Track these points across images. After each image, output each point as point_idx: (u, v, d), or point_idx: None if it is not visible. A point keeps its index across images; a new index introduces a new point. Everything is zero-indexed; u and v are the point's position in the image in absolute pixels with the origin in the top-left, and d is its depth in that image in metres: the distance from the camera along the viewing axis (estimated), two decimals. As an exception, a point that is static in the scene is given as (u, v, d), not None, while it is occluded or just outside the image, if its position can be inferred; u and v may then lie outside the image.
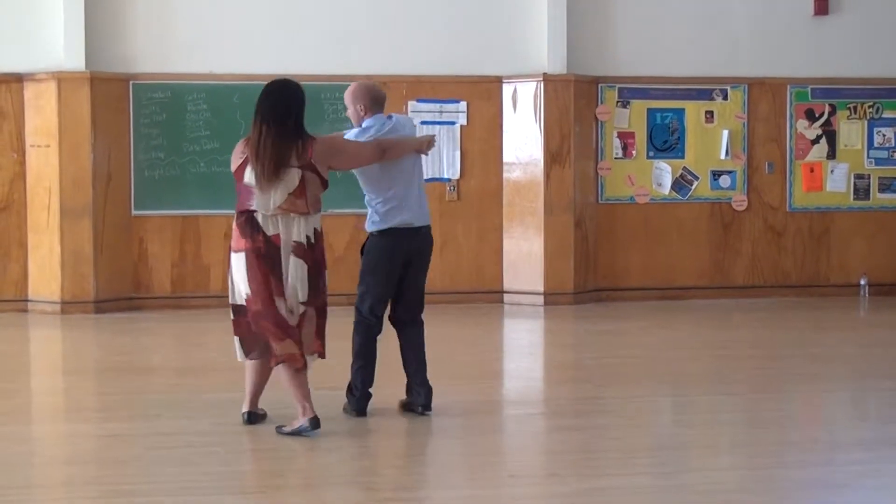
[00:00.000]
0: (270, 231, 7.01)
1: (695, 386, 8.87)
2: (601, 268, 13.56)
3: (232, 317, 7.25)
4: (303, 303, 7.04)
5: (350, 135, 7.47)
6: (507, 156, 13.36)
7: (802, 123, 13.82)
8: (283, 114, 7.01)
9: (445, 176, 13.24)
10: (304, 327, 7.09)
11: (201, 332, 11.62)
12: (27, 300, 12.75)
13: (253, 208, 7.02)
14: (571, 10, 13.25)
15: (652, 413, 8.03)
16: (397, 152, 7.41)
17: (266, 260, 7.01)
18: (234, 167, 7.13)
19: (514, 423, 7.80)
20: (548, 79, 13.14)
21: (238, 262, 7.10)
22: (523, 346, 11.42)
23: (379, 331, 7.57)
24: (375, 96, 7.57)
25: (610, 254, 13.59)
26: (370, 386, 7.52)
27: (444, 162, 13.20)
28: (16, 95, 12.65)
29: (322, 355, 7.24)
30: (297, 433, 6.98)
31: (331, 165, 7.13)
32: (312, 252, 7.07)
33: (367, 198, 7.55)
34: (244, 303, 7.12)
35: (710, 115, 13.67)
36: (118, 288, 12.78)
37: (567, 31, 13.23)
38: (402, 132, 7.55)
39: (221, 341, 11.24)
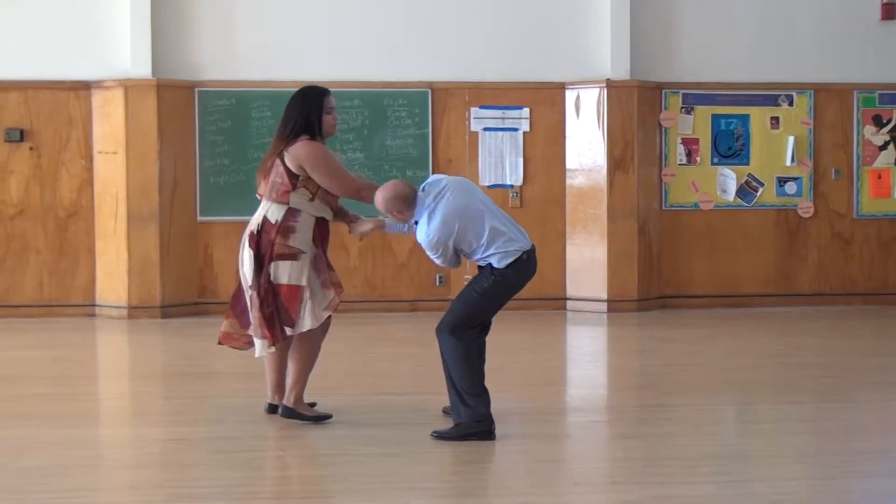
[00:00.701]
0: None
1: (760, 394, 8.80)
2: (665, 275, 13.50)
3: None
4: (249, 286, 7.40)
5: (431, 228, 7.24)
6: (570, 162, 13.33)
7: (869, 129, 13.68)
8: (286, 117, 7.54)
9: (508, 182, 13.23)
10: (253, 312, 7.41)
11: (265, 338, 11.66)
12: (95, 305, 12.90)
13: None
14: (635, 16, 13.21)
15: (716, 421, 7.97)
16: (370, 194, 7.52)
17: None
18: None
19: (577, 430, 7.77)
20: (611, 85, 13.10)
21: None
22: (586, 353, 11.38)
23: None
24: (405, 198, 7.30)
25: (674, 261, 13.52)
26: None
27: (506, 168, 13.19)
28: (84, 103, 12.81)
29: (271, 342, 7.41)
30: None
31: (306, 171, 7.37)
32: (259, 239, 7.38)
33: (474, 253, 7.30)
34: None
35: (775, 121, 13.57)
36: (184, 293, 12.90)
37: (631, 37, 13.19)
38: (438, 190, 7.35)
39: (285, 347, 11.33)
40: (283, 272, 7.38)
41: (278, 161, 7.39)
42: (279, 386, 7.67)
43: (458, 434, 7.10)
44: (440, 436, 7.10)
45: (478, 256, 7.28)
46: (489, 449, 7.02)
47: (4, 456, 6.82)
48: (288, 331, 7.39)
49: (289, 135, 7.42)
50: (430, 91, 13.02)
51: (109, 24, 12.78)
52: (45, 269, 12.87)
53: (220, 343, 7.90)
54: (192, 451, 7.02)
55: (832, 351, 10.96)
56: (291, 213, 7.39)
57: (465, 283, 7.62)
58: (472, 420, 7.13)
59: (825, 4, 13.62)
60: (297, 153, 7.36)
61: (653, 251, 13.36)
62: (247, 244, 7.42)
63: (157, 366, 10.44)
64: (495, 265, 7.25)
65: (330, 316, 7.50)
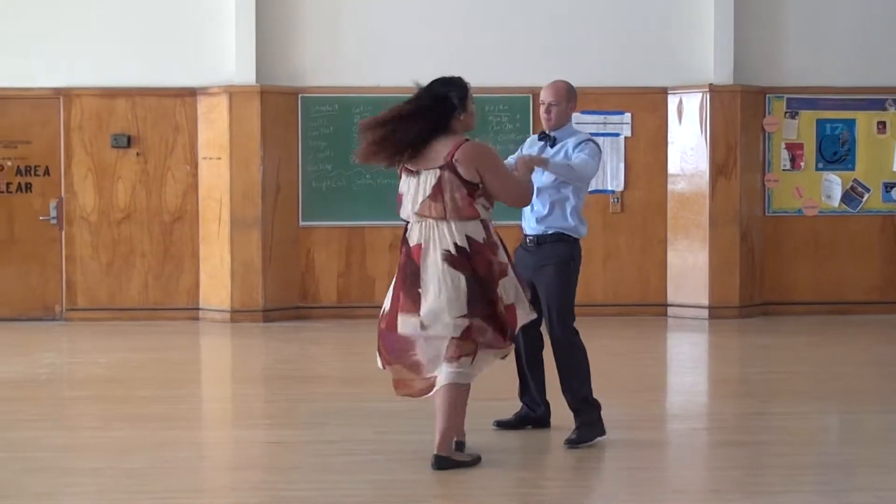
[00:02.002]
0: (413, 241, 6.54)
1: (863, 403, 8.66)
2: (768, 281, 13.34)
3: None
4: (461, 316, 6.42)
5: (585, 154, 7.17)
6: (672, 167, 13.24)
7: (979, 134, 13.41)
8: (426, 108, 6.52)
9: (609, 188, 13.18)
10: (478, 339, 6.48)
11: (365, 342, 11.66)
12: (198, 308, 13.09)
13: (403, 217, 6.62)
14: (738, 20, 13.09)
15: (818, 430, 7.86)
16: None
17: (404, 275, 6.53)
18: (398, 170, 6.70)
19: (677, 437, 7.72)
20: (714, 89, 12.98)
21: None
22: (687, 359, 11.29)
23: None
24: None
25: (777, 267, 13.35)
26: None
27: (608, 173, 13.14)
28: (189, 109, 13.00)
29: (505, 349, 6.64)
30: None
31: (482, 177, 6.47)
32: (469, 261, 6.45)
33: (572, 201, 7.23)
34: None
35: (882, 126, 13.35)
36: (286, 297, 13.03)
37: (734, 42, 13.06)
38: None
39: (385, 351, 11.40)
40: (507, 291, 6.58)
41: (448, 174, 6.39)
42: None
43: (591, 437, 7.12)
44: (574, 443, 7.07)
45: (569, 211, 7.20)
46: (589, 455, 7.00)
47: (110, 456, 6.95)
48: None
49: (432, 129, 6.47)
50: (530, 96, 13.01)
51: (215, 31, 12.97)
52: (150, 273, 13.08)
53: (399, 392, 6.77)
54: (292, 454, 7.09)
55: (940, 360, 10.77)
56: (487, 226, 6.54)
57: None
58: (598, 420, 7.18)
59: (933, 7, 13.39)
60: (470, 157, 6.42)
61: (755, 257, 13.22)
62: (447, 269, 6.41)
63: (258, 369, 10.56)
64: (577, 236, 7.24)
65: None
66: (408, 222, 6.62)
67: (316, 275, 13.14)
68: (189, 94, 13.00)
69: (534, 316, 6.83)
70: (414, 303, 6.47)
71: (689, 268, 13.15)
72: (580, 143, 7.28)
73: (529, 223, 7.33)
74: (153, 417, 8.04)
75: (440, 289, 6.43)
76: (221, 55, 12.95)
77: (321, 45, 13.13)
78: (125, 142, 12.97)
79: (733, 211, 13.03)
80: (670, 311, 13.23)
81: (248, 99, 12.78)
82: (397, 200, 6.66)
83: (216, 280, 12.95)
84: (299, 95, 13.04)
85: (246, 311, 12.84)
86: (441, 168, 6.41)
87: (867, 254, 13.40)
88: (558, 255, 7.23)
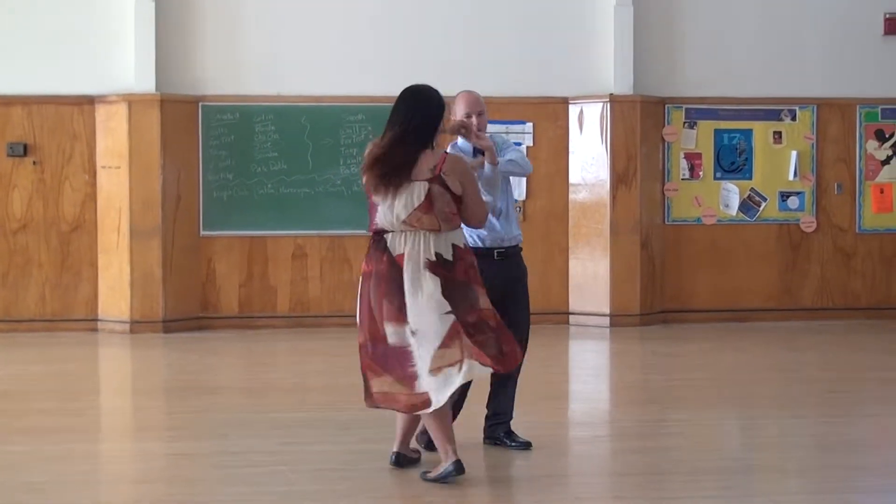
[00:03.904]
0: (396, 251, 6.50)
1: (763, 409, 8.79)
2: (668, 289, 13.49)
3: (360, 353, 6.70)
4: (447, 312, 6.41)
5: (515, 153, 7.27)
6: (574, 177, 13.34)
7: (872, 144, 13.68)
8: (409, 119, 6.58)
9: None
10: (464, 343, 6.43)
11: (268, 353, 11.70)
12: (97, 319, 12.90)
13: (380, 226, 6.55)
14: (638, 31, 13.23)
15: (719, 436, 7.96)
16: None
17: (386, 283, 6.48)
18: (364, 181, 6.64)
19: (580, 444, 7.77)
20: (614, 100, 13.11)
21: (360, 290, 6.67)
22: (589, 367, 11.38)
23: None
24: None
25: (676, 275, 13.51)
26: None
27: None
28: (87, 117, 12.82)
29: (494, 367, 6.50)
30: (440, 479, 6.45)
31: (463, 190, 6.56)
32: (451, 270, 6.50)
33: (508, 208, 7.30)
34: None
35: (778, 136, 13.57)
36: (186, 308, 12.90)
37: (633, 52, 13.20)
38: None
39: (288, 361, 11.37)
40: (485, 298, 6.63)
41: (438, 187, 6.45)
42: (410, 435, 6.89)
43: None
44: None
45: (508, 223, 7.24)
46: (491, 463, 7.01)
47: (6, 471, 6.82)
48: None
49: (418, 142, 6.53)
50: (432, 106, 12.99)
51: (113, 38, 12.80)
52: (47, 284, 12.87)
53: (377, 406, 6.64)
54: (194, 466, 7.01)
55: (835, 366, 10.96)
56: (463, 233, 6.74)
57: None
58: None
59: (828, 19, 13.63)
60: (456, 171, 6.53)
61: (655, 266, 13.36)
62: (428, 275, 6.44)
63: (159, 381, 10.44)
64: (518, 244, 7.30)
65: None
66: (382, 232, 6.57)
67: (217, 285, 13.03)
68: (87, 103, 12.82)
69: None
70: (399, 310, 6.45)
71: (590, 276, 13.25)
72: (505, 145, 7.35)
73: (493, 233, 7.22)
74: (52, 431, 7.90)
75: (423, 292, 6.42)
76: (120, 63, 12.79)
77: (222, 53, 13.02)
78: (21, 150, 12.75)
79: (634, 220, 13.16)
80: (572, 318, 13.31)
81: (147, 107, 12.64)
82: (370, 211, 6.61)
83: (115, 291, 12.77)
84: (200, 104, 12.93)
85: (146, 322, 12.68)
86: (430, 181, 6.46)
87: (764, 262, 13.62)
88: (523, 269, 7.39)
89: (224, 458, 7.14)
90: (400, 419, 6.78)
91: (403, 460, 6.83)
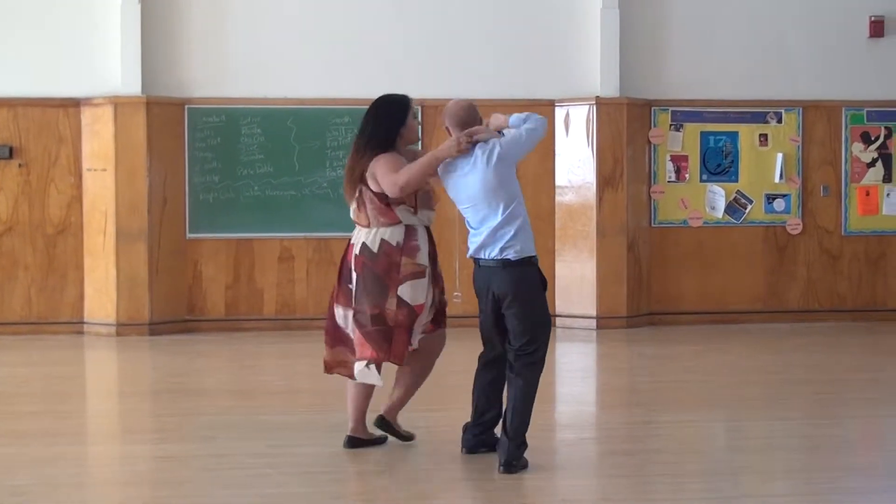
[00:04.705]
0: (353, 243, 7.23)
1: (749, 411, 8.80)
2: (654, 292, 13.51)
3: None
4: (358, 309, 7.12)
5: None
6: (560, 179, 13.35)
7: (858, 146, 13.72)
8: (363, 129, 7.24)
9: (498, 199, 13.22)
10: (357, 332, 7.13)
11: (255, 355, 11.68)
12: (84, 322, 12.88)
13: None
14: (624, 34, 13.25)
15: (706, 438, 7.98)
16: (426, 170, 7.04)
17: (342, 270, 7.27)
18: None
19: (566, 447, 7.78)
20: (601, 102, 13.13)
21: None
22: (576, 370, 11.37)
23: None
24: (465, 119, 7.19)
25: (663, 278, 13.53)
26: None
27: (496, 185, 13.17)
28: (73, 120, 12.80)
29: (374, 360, 7.04)
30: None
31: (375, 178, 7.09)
32: (373, 261, 7.06)
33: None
34: None
35: (764, 139, 13.60)
36: (173, 310, 12.88)
37: (620, 55, 13.22)
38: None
39: (275, 364, 11.35)
40: (413, 292, 7.06)
41: (364, 187, 7.10)
42: (363, 416, 7.35)
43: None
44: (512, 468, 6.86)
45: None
46: (479, 466, 7.01)
47: (-7, 474, 6.81)
48: (411, 347, 7.16)
49: (364, 148, 7.13)
50: (420, 108, 13.02)
51: (99, 41, 12.78)
52: (33, 287, 12.84)
53: (329, 372, 7.40)
54: (182, 468, 7.00)
55: (821, 367, 10.97)
56: (411, 231, 7.12)
57: (457, 300, 7.66)
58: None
59: (814, 22, 13.66)
60: (371, 170, 7.08)
61: (642, 268, 13.38)
62: (354, 267, 7.13)
63: (145, 383, 10.42)
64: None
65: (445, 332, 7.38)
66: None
67: (203, 287, 13.01)
68: (73, 105, 12.79)
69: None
70: (345, 296, 7.21)
71: (577, 278, 13.26)
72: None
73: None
74: (38, 433, 7.88)
75: (353, 284, 7.14)
76: (106, 65, 12.77)
77: (208, 56, 13.01)
78: (7, 153, 12.72)
79: (620, 222, 13.18)
80: (559, 321, 13.31)
81: (133, 110, 12.62)
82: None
83: (101, 293, 12.75)
84: (186, 106, 12.91)
85: (132, 325, 12.66)
86: (361, 181, 7.13)
87: (750, 264, 13.64)
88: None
89: (211, 460, 7.13)
90: (349, 401, 7.30)
91: (357, 443, 7.27)
